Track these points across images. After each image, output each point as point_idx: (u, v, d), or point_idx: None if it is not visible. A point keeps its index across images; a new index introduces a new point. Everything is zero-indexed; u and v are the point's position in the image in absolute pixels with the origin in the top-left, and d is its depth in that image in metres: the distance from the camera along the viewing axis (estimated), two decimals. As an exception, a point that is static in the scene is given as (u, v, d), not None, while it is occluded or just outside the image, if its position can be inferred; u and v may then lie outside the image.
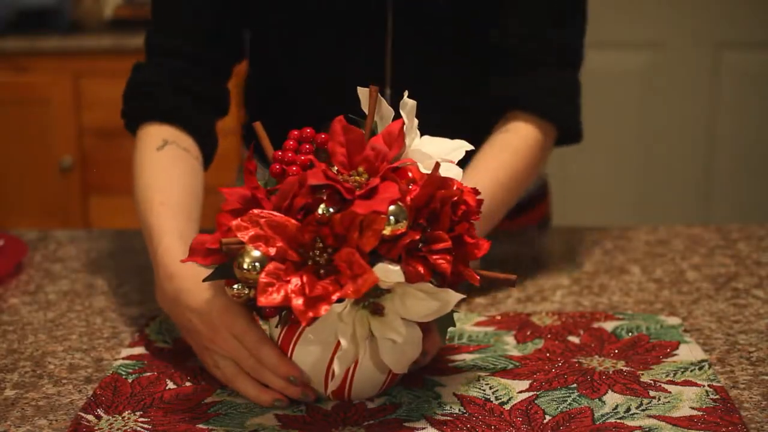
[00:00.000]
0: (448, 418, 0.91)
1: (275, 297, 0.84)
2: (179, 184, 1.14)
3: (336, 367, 0.88)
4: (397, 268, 0.86)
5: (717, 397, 0.94)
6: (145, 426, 0.90)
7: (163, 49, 1.24)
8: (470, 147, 0.98)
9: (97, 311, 1.21)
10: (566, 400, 0.94)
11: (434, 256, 0.88)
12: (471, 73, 1.24)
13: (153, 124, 1.20)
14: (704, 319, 1.14)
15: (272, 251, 0.86)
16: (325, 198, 0.86)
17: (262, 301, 0.84)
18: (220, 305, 0.95)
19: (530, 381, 0.98)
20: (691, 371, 0.99)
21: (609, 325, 1.11)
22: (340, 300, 0.85)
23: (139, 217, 1.12)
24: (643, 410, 0.92)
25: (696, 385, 0.96)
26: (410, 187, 0.89)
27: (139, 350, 1.07)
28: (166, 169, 1.15)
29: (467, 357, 1.04)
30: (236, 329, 0.94)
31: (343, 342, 0.87)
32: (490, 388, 0.97)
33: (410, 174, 0.90)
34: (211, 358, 0.96)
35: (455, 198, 0.90)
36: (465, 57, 1.22)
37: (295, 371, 0.92)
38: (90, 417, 0.92)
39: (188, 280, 0.98)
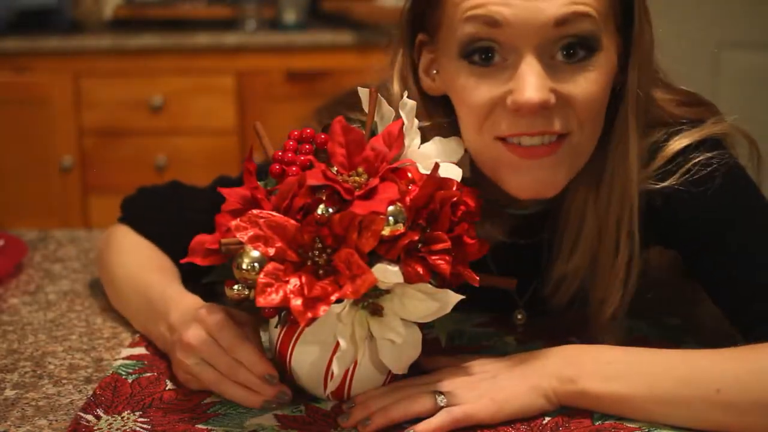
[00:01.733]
0: (448, 418, 0.91)
1: (274, 297, 0.84)
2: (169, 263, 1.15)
3: (335, 367, 0.88)
4: (396, 268, 0.86)
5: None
6: (145, 426, 0.90)
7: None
8: None
9: (97, 311, 1.21)
10: (565, 401, 0.94)
11: (433, 257, 0.88)
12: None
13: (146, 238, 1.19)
14: (704, 319, 1.14)
15: (271, 251, 0.86)
16: (324, 198, 0.86)
17: (261, 301, 0.84)
18: (198, 304, 0.98)
19: (529, 381, 0.98)
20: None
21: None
22: (339, 300, 0.85)
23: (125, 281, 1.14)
24: (642, 410, 0.92)
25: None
26: (410, 187, 0.89)
27: (139, 350, 1.07)
28: (157, 252, 1.17)
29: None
30: (211, 326, 0.94)
31: (342, 342, 0.87)
32: (490, 388, 0.97)
33: (410, 174, 0.90)
34: (187, 369, 0.95)
35: (455, 198, 0.90)
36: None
37: (272, 370, 0.91)
38: (89, 417, 0.92)
39: (175, 298, 1.04)
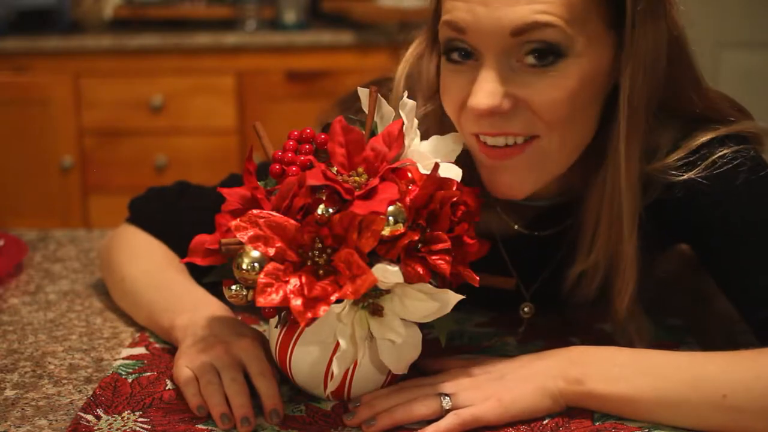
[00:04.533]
0: (448, 418, 0.91)
1: (274, 297, 0.84)
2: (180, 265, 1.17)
3: (335, 367, 0.88)
4: (396, 268, 0.86)
5: (716, 397, 0.94)
6: (145, 426, 0.90)
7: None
8: None
9: (97, 311, 1.21)
10: (565, 401, 0.94)
11: (433, 257, 0.88)
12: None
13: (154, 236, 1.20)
14: (706, 319, 1.14)
15: (271, 252, 0.86)
16: (324, 198, 0.86)
17: (261, 301, 0.84)
18: (252, 330, 1.00)
19: (529, 381, 0.98)
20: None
21: (609, 327, 1.11)
22: (339, 300, 0.85)
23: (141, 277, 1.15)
24: (642, 410, 0.92)
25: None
26: (410, 187, 0.89)
27: (139, 350, 1.07)
28: (171, 252, 1.18)
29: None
30: (251, 352, 0.95)
31: (342, 343, 0.87)
32: (490, 388, 0.97)
33: (410, 174, 0.90)
34: (191, 361, 0.96)
35: (455, 198, 0.90)
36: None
37: (281, 408, 0.91)
38: (90, 417, 0.92)
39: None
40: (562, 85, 0.92)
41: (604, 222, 0.99)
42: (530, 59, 0.91)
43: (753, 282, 0.96)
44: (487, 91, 0.92)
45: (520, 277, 1.08)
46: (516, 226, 1.06)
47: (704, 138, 0.99)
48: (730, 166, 0.97)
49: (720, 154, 0.98)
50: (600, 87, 0.95)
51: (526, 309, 1.10)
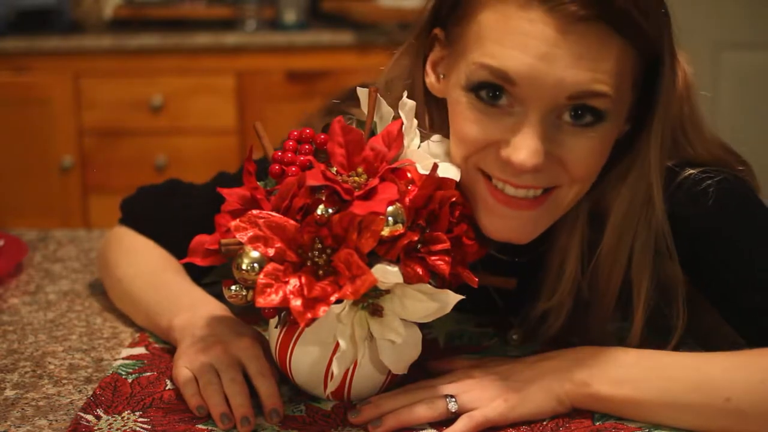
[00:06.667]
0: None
1: (274, 298, 0.84)
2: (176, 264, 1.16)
3: (335, 367, 0.88)
4: (396, 269, 0.86)
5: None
6: (145, 426, 0.90)
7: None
8: None
9: (97, 311, 1.21)
10: (565, 401, 0.94)
11: (433, 257, 0.88)
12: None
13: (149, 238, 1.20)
14: (704, 319, 1.13)
15: (271, 252, 0.86)
16: (323, 199, 0.86)
17: (261, 302, 0.84)
18: (250, 329, 1.00)
19: (529, 381, 0.98)
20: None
21: (610, 326, 1.11)
22: (338, 301, 0.85)
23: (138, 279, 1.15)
24: (641, 410, 0.92)
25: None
26: (409, 187, 0.89)
27: (139, 350, 1.07)
28: (165, 252, 1.18)
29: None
30: (250, 352, 0.95)
31: (342, 343, 0.87)
32: (489, 388, 0.97)
33: (409, 175, 0.90)
34: (191, 362, 0.96)
35: (453, 198, 0.90)
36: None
37: (281, 408, 0.91)
38: (90, 417, 0.92)
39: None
40: (596, 145, 0.92)
41: (571, 260, 0.99)
42: (568, 117, 0.90)
43: (738, 299, 0.96)
44: (532, 149, 0.89)
45: (506, 303, 1.07)
46: (491, 251, 1.03)
47: (669, 163, 0.99)
48: (699, 188, 0.97)
49: (685, 175, 0.98)
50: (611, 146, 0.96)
51: (515, 336, 1.09)
